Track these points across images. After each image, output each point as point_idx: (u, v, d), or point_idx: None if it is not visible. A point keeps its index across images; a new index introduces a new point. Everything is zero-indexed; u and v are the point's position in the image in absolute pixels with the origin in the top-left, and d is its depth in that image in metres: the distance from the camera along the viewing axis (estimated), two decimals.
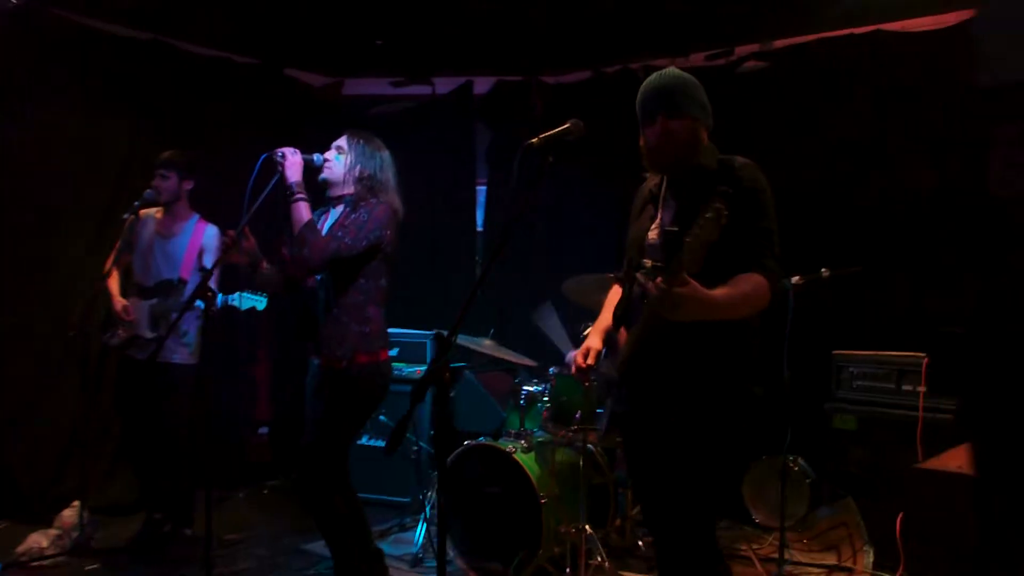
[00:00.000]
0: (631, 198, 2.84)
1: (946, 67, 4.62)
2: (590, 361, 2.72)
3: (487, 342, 4.56)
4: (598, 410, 2.88)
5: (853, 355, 4.33)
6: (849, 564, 4.12)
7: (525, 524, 3.81)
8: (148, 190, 4.28)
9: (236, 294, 3.81)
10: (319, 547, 4.43)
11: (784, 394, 4.10)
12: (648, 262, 2.60)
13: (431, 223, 6.10)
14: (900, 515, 3.88)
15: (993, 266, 4.28)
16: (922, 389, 3.99)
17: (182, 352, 4.26)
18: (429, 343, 5.35)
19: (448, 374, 2.17)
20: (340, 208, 3.48)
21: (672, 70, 2.64)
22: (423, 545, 4.28)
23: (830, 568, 4.12)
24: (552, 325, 4.54)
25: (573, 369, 2.78)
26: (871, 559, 4.09)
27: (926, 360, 4.01)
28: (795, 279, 4.00)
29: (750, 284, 2.32)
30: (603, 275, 4.28)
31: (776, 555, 4.05)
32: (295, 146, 3.41)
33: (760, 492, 4.62)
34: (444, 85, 6.32)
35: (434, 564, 4.13)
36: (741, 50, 5.40)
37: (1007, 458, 2.27)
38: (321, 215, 3.54)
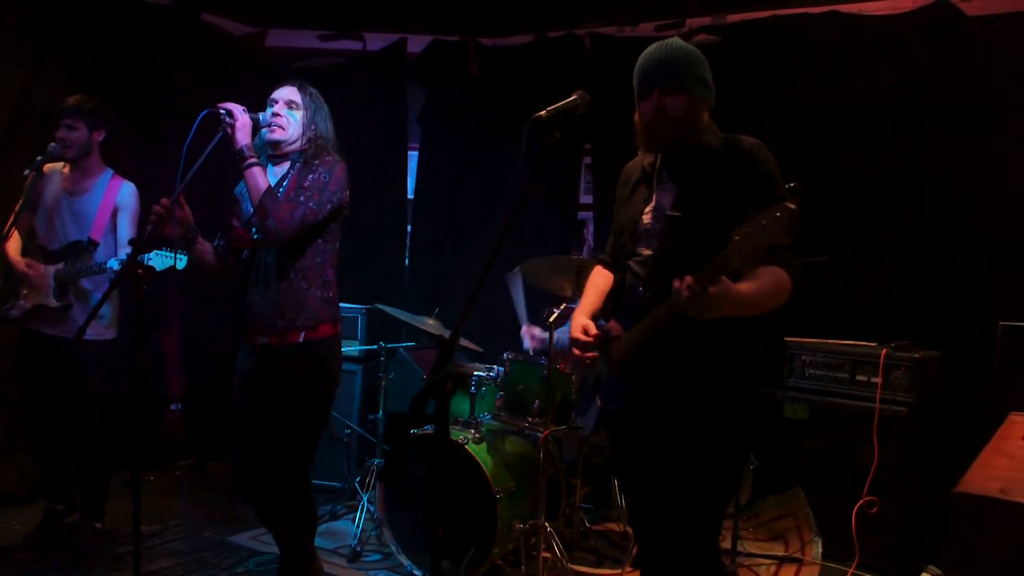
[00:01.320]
0: (571, 173, 2.59)
1: (900, 52, 4.56)
2: (592, 332, 2.43)
3: (431, 321, 4.29)
4: (584, 405, 2.65)
5: (806, 343, 4.26)
6: (797, 554, 4.08)
7: (477, 519, 3.58)
8: (52, 143, 3.77)
9: (153, 252, 3.38)
10: (244, 540, 4.12)
11: None
12: (645, 251, 2.38)
13: (360, 188, 5.68)
14: (856, 507, 3.88)
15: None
16: (878, 380, 3.95)
17: (95, 326, 3.79)
18: (361, 317, 5.05)
19: (450, 384, 1.89)
20: (284, 166, 3.11)
21: (675, 41, 2.40)
22: (362, 538, 4.00)
23: (779, 559, 4.07)
24: (517, 292, 4.28)
25: (576, 351, 2.51)
26: (819, 550, 4.07)
27: (883, 351, 3.96)
28: None
29: (774, 278, 2.13)
30: (561, 257, 4.09)
31: (728, 546, 3.97)
32: (209, 100, 2.97)
33: None
34: (376, 41, 5.91)
35: (374, 558, 3.91)
36: (692, 22, 5.23)
37: None
38: None
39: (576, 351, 2.49)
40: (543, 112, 2.13)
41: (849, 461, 4.00)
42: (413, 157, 6.03)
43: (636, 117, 2.43)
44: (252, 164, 2.91)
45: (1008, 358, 3.71)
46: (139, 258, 3.03)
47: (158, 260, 3.36)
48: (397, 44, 5.86)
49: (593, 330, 2.44)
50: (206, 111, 2.89)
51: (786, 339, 4.31)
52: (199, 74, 5.32)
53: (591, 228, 5.62)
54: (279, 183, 3.06)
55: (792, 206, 1.83)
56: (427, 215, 5.97)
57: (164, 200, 2.85)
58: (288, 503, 3.11)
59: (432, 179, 5.99)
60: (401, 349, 4.85)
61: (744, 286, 2.06)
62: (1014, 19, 4.36)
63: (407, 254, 5.97)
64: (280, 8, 5.56)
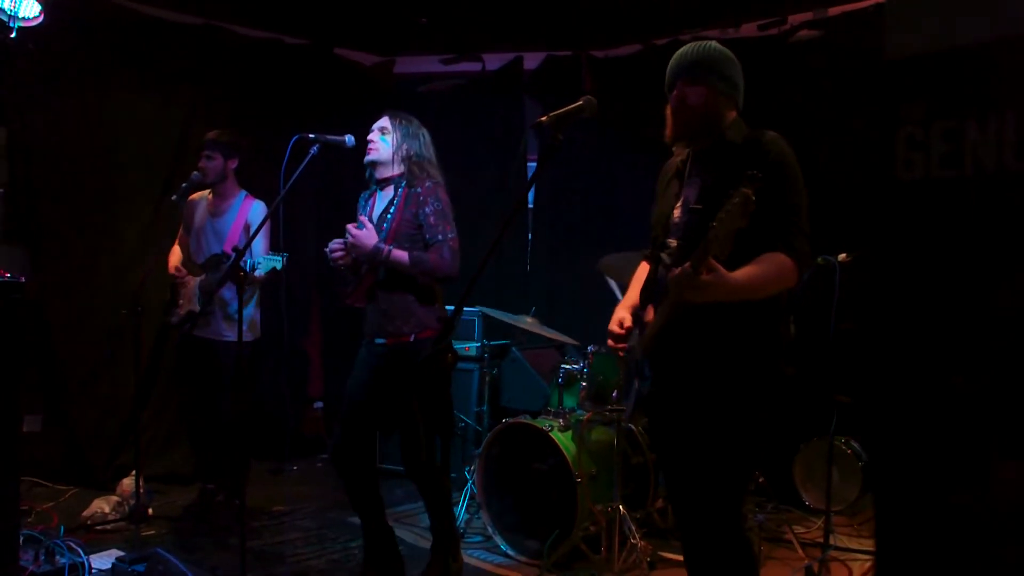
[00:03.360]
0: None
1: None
2: (627, 324, 2.65)
3: (529, 320, 4.57)
4: (627, 389, 2.84)
5: None
6: None
7: (561, 503, 3.82)
8: (194, 172, 4.39)
9: (259, 258, 3.87)
10: None
11: (828, 374, 4.02)
12: (672, 242, 2.55)
13: (483, 200, 6.11)
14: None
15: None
16: None
17: (233, 329, 4.37)
18: (477, 320, 5.39)
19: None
20: (390, 191, 3.53)
21: (705, 43, 2.57)
22: (465, 520, 4.33)
23: (874, 554, 4.01)
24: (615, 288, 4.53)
25: (610, 341, 2.73)
26: None
27: None
28: (841, 257, 3.85)
29: (774, 264, 2.26)
30: (637, 252, 4.23)
31: (821, 540, 3.97)
32: (348, 128, 3.49)
33: (810, 474, 4.53)
34: (494, 61, 6.29)
35: (476, 540, 4.23)
36: (794, 19, 5.22)
37: None
38: (368, 199, 3.62)
39: (610, 342, 2.71)
40: (544, 117, 2.38)
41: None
42: (532, 169, 6.35)
43: (666, 111, 2.61)
44: (387, 255, 3.33)
45: None
46: (242, 263, 3.55)
47: (265, 263, 3.84)
48: (513, 62, 6.21)
49: (628, 324, 2.64)
50: (296, 137, 3.35)
51: None
52: (334, 104, 5.90)
53: None
54: (386, 209, 3.48)
55: (747, 191, 1.97)
56: (546, 223, 6.27)
57: (334, 241, 3.44)
58: (437, 486, 3.52)
59: (550, 189, 6.27)
60: (513, 348, 5.15)
61: (738, 272, 2.21)
62: None
63: (528, 260, 6.28)
64: (405, 37, 6.05)
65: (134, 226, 5.17)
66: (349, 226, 3.40)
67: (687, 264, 2.15)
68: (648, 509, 4.17)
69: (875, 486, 4.29)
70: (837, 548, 4.04)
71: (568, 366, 4.28)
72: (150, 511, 4.45)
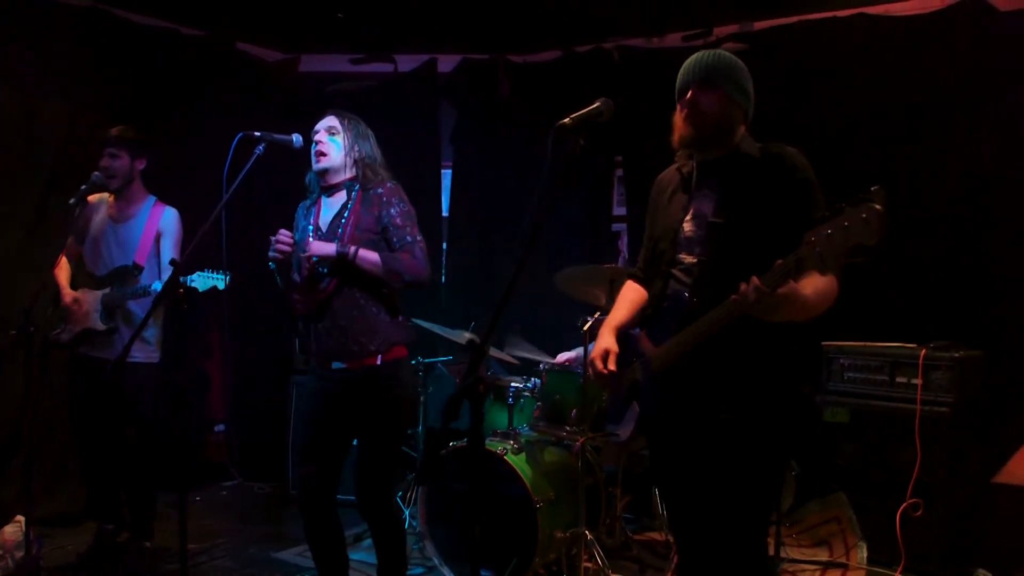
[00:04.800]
0: (603, 185, 2.63)
1: (931, 52, 4.54)
2: (611, 367, 2.51)
3: (467, 335, 4.33)
4: (618, 412, 2.67)
5: (844, 346, 4.22)
6: (843, 559, 4.03)
7: (519, 529, 3.60)
8: (96, 172, 3.90)
9: (195, 274, 3.48)
10: (290, 556, 4.18)
11: None
12: (688, 258, 2.40)
13: None
14: (900, 510, 3.83)
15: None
16: (919, 382, 3.91)
17: (144, 350, 3.92)
18: None
19: (483, 386, 1.92)
20: (341, 195, 3.18)
21: (720, 51, 2.48)
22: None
23: (824, 564, 4.02)
24: (524, 349, 4.36)
25: (591, 373, 2.57)
26: (864, 554, 4.02)
27: (923, 352, 3.92)
28: None
29: (824, 282, 2.16)
30: (596, 266, 4.11)
31: (771, 553, 3.94)
32: (248, 125, 3.10)
33: None
34: (407, 63, 6.01)
35: (418, 572, 3.94)
36: (720, 31, 5.24)
37: None
38: (310, 207, 3.26)
39: (591, 371, 2.55)
40: (567, 119, 2.17)
41: (892, 464, 3.96)
42: (446, 176, 6.11)
43: (675, 117, 2.47)
44: (354, 254, 2.99)
45: None
46: (181, 279, 3.12)
47: (201, 281, 3.46)
48: (428, 64, 5.95)
49: (612, 363, 2.49)
50: (241, 134, 2.99)
51: (824, 343, 4.28)
52: (236, 101, 5.45)
53: (625, 240, 5.65)
54: (339, 214, 3.14)
55: (879, 207, 1.85)
56: (462, 232, 6.04)
57: (284, 232, 3.01)
58: (388, 521, 3.21)
59: (466, 197, 6.05)
60: (439, 364, 4.89)
61: (807, 290, 2.11)
62: None
63: (443, 271, 6.03)
64: (313, 34, 5.68)
65: (13, 231, 4.55)
66: (309, 238, 3.07)
67: (754, 280, 2.02)
68: (599, 530, 4.03)
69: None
70: (788, 560, 4.03)
71: (517, 384, 4.06)
72: (41, 562, 3.89)
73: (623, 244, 5.66)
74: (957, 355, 3.88)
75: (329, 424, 3.14)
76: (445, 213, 6.08)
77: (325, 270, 3.06)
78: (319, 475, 3.14)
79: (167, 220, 4.01)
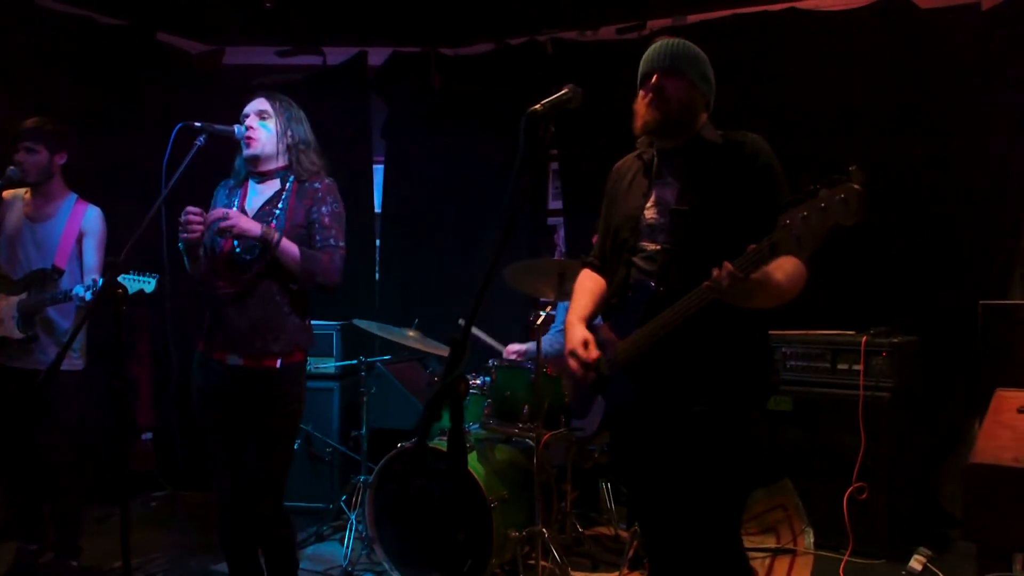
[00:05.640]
0: (538, 179, 2.58)
1: (857, 48, 4.64)
2: (594, 353, 2.43)
3: (411, 333, 4.22)
4: (582, 408, 2.61)
5: (786, 335, 4.28)
6: (790, 546, 4.08)
7: (472, 530, 3.52)
8: (11, 167, 3.64)
9: (120, 276, 3.28)
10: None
11: None
12: (651, 245, 2.36)
13: None
14: (846, 494, 3.90)
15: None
16: (860, 368, 3.99)
17: (67, 357, 3.66)
18: (336, 334, 4.95)
19: (463, 386, 1.84)
20: (273, 183, 3.00)
21: (682, 40, 2.44)
22: (352, 558, 3.90)
23: (773, 551, 4.07)
24: (477, 334, 4.28)
25: (574, 365, 2.47)
26: (812, 539, 4.08)
27: (864, 339, 4.00)
28: None
29: (793, 267, 2.14)
30: (543, 260, 4.06)
31: None
32: (170, 119, 2.91)
33: None
34: (336, 55, 5.84)
35: None
36: (653, 24, 5.26)
37: None
38: (234, 189, 3.06)
39: (573, 363, 2.45)
40: (538, 106, 2.09)
41: (835, 449, 4.04)
42: (379, 171, 5.97)
43: (636, 104, 2.43)
44: (277, 241, 2.82)
45: (988, 336, 3.77)
46: (95, 284, 2.97)
47: (129, 284, 3.25)
48: (357, 57, 5.79)
49: (593, 349, 2.41)
50: (181, 124, 2.81)
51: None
52: (158, 94, 5.20)
53: (561, 233, 5.61)
54: (272, 201, 2.96)
55: (858, 187, 1.82)
56: (396, 229, 5.91)
57: (192, 208, 2.80)
58: (275, 534, 3.01)
59: (399, 192, 5.93)
60: (379, 364, 4.76)
61: (778, 274, 2.08)
62: (962, 11, 4.47)
63: (377, 269, 5.89)
64: (236, 26, 5.46)
65: None
66: (216, 211, 2.85)
67: (727, 265, 1.97)
68: (551, 528, 3.97)
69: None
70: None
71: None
72: None
73: (559, 238, 5.63)
74: (896, 341, 3.98)
75: (228, 427, 2.94)
76: (378, 209, 5.93)
77: (245, 254, 2.90)
78: (234, 487, 2.95)
79: (90, 219, 3.76)
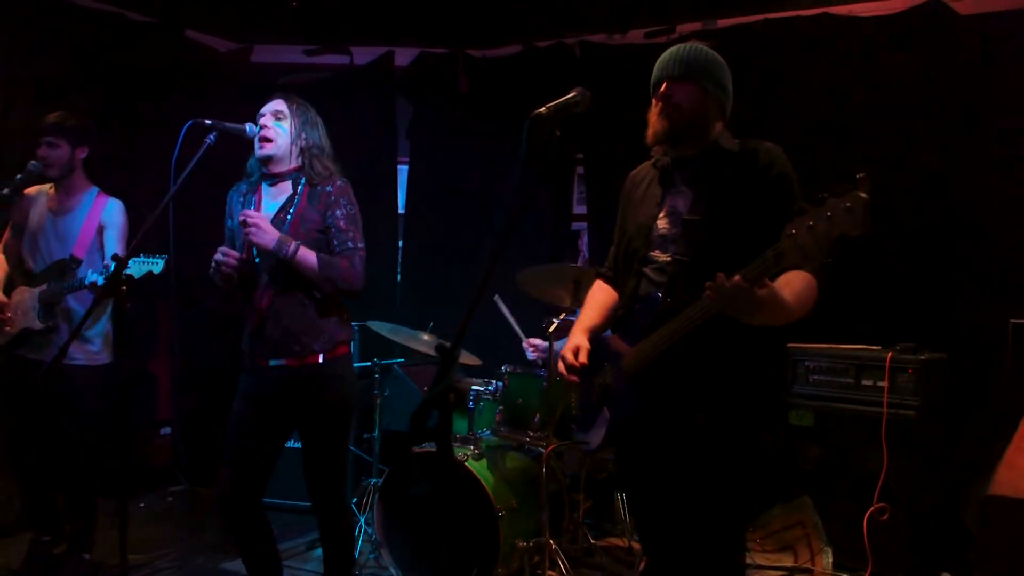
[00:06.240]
0: (563, 183, 2.53)
1: (894, 53, 4.52)
2: (582, 359, 2.41)
3: (427, 336, 4.19)
4: (588, 419, 2.56)
5: (809, 348, 4.17)
6: (808, 565, 3.98)
7: (479, 538, 3.47)
8: (33, 161, 3.67)
9: (129, 261, 3.29)
10: (241, 566, 3.95)
11: None
12: (662, 256, 2.30)
13: None
14: (867, 515, 3.79)
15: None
16: (885, 384, 3.87)
17: (85, 351, 3.69)
18: (355, 336, 4.93)
19: (453, 395, 1.79)
20: (286, 187, 3.00)
21: (697, 44, 2.38)
22: (359, 561, 3.87)
23: (789, 570, 3.97)
24: (506, 312, 4.21)
25: (561, 368, 2.46)
26: (830, 559, 3.97)
27: (889, 355, 3.88)
28: None
29: (804, 283, 2.06)
30: (559, 265, 4.00)
31: None
32: (196, 115, 2.89)
33: None
34: (363, 55, 5.83)
35: None
36: (683, 28, 5.17)
37: None
38: (247, 194, 3.06)
39: (560, 366, 2.46)
40: (543, 108, 2.05)
41: (857, 467, 3.92)
42: (403, 172, 5.95)
43: (650, 112, 2.38)
44: (292, 253, 2.83)
45: (1019, 357, 3.63)
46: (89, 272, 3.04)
47: (136, 268, 3.25)
48: (384, 57, 5.78)
49: (583, 357, 2.41)
50: (191, 122, 2.81)
51: (789, 345, 4.22)
52: (185, 91, 5.22)
53: (585, 239, 5.55)
54: (285, 207, 2.97)
55: (864, 195, 1.74)
56: (418, 230, 5.88)
57: (227, 250, 2.88)
58: (343, 530, 3.09)
59: (423, 194, 5.90)
60: (395, 366, 4.73)
61: (786, 291, 2.01)
62: (1006, 17, 4.33)
63: (399, 269, 5.87)
64: (264, 24, 5.47)
65: None
66: (247, 211, 2.87)
67: (735, 277, 1.89)
68: (561, 537, 3.91)
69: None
70: (753, 566, 3.96)
71: (478, 388, 3.93)
72: None
73: (583, 244, 5.57)
74: (923, 358, 3.85)
75: (260, 427, 2.96)
76: (401, 210, 5.91)
77: (263, 273, 2.93)
78: (241, 479, 2.96)
79: (110, 212, 3.78)
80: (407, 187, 5.92)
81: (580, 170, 5.55)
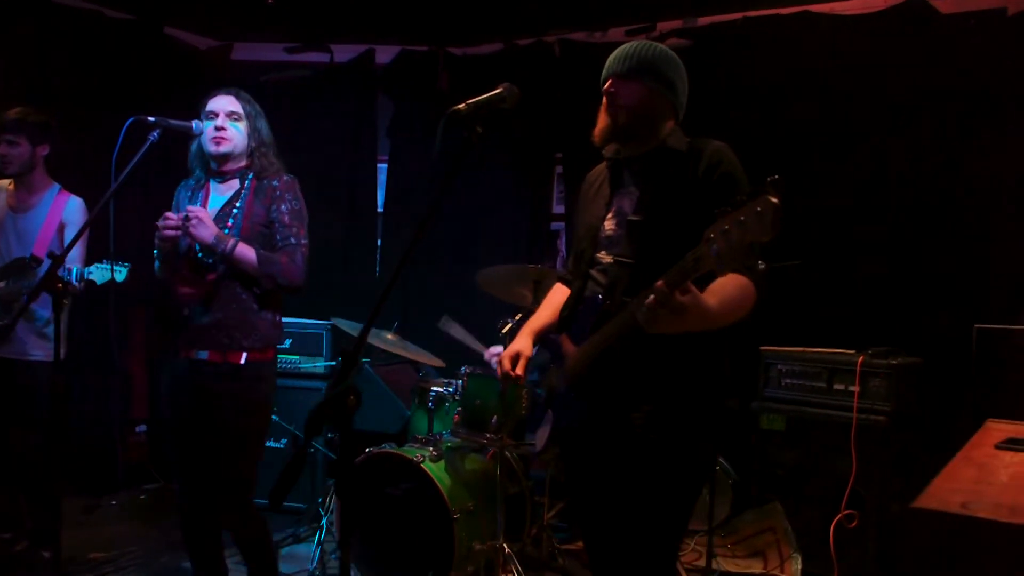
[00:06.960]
0: (542, 182, 2.49)
1: (874, 52, 4.45)
2: (519, 371, 2.37)
3: (391, 336, 4.14)
4: (536, 421, 2.51)
5: (782, 351, 4.10)
6: (776, 571, 3.91)
7: (435, 541, 3.42)
8: None
9: (92, 266, 3.29)
10: None
11: None
12: (606, 257, 2.25)
13: (328, 202, 5.57)
14: (834, 522, 3.72)
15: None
16: (856, 389, 3.80)
17: (44, 347, 3.68)
18: (326, 334, 4.91)
19: (353, 397, 1.75)
20: (233, 183, 2.98)
21: (647, 42, 2.33)
22: (322, 560, 3.84)
23: None
24: (458, 332, 4.17)
25: (499, 372, 2.42)
26: (799, 566, 3.90)
27: (860, 359, 3.81)
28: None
29: (738, 289, 1.98)
30: (521, 266, 3.95)
31: (702, 563, 3.81)
32: (175, 114, 2.90)
33: None
34: (343, 53, 5.81)
35: None
36: (663, 26, 5.12)
37: None
38: (194, 190, 3.04)
39: (499, 369, 2.43)
40: (462, 105, 2.00)
41: (827, 473, 3.85)
42: (383, 170, 5.91)
43: (599, 111, 2.33)
44: (230, 249, 2.80)
45: (983, 362, 3.55)
46: (85, 271, 3.08)
47: (98, 273, 3.26)
48: (365, 55, 5.76)
49: (520, 368, 2.39)
50: (132, 119, 2.79)
51: (761, 348, 4.16)
52: (164, 89, 5.20)
53: (564, 239, 5.50)
54: (231, 202, 2.95)
55: (774, 199, 1.66)
56: (398, 228, 5.84)
57: (169, 214, 2.82)
58: (251, 529, 3.00)
59: (402, 191, 5.86)
60: (366, 365, 4.69)
61: (712, 299, 1.92)
62: (987, 16, 4.25)
63: (377, 268, 5.84)
64: (245, 21, 5.46)
65: None
66: (191, 207, 2.84)
67: (658, 283, 1.82)
68: (523, 541, 3.86)
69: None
70: (720, 572, 3.90)
71: (439, 388, 3.89)
72: None
73: (562, 243, 5.52)
74: (895, 362, 3.77)
75: (191, 425, 2.91)
76: (380, 208, 5.87)
77: (206, 257, 2.88)
78: (193, 491, 2.92)
79: (71, 210, 3.76)
80: (386, 185, 5.89)
81: (560, 169, 5.50)
